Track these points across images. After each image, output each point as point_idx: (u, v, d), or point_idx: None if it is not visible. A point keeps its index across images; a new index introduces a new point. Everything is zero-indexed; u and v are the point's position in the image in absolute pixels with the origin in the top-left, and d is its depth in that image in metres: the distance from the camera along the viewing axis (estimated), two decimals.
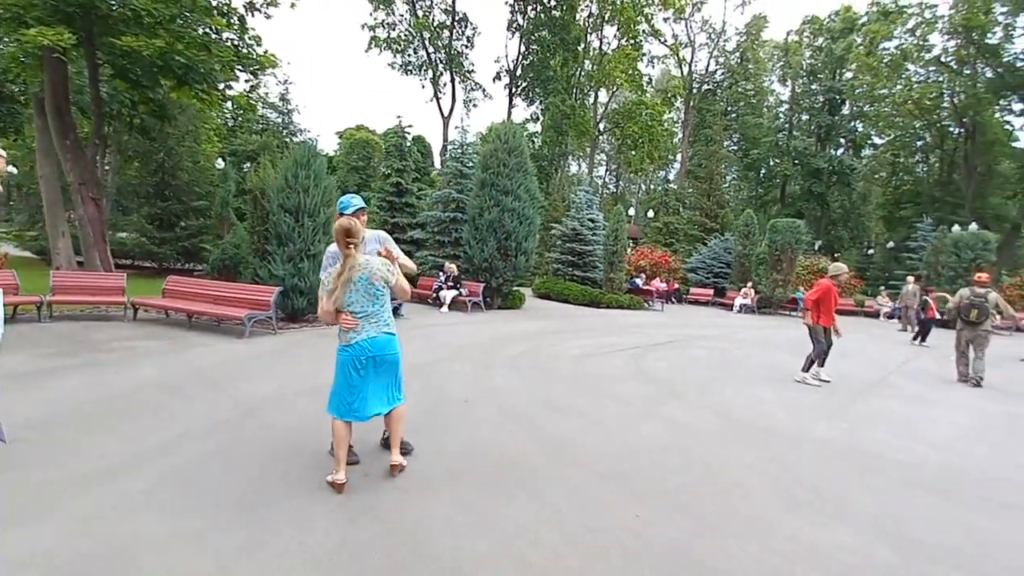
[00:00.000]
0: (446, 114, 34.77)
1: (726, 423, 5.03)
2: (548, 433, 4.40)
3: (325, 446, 3.65)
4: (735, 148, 42.81)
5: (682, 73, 41.10)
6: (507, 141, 13.77)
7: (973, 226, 20.88)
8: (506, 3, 33.88)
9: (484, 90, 37.11)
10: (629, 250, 20.19)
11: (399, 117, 20.80)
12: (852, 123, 37.90)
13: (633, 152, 37.84)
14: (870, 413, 5.78)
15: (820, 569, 2.60)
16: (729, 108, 42.86)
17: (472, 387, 5.76)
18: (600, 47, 36.51)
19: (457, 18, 34.21)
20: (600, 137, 41.80)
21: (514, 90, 35.84)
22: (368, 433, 3.76)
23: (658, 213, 33.88)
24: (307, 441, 3.82)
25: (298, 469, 3.37)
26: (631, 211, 45.75)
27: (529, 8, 33.61)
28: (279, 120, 31.20)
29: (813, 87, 38.30)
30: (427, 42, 34.31)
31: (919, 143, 37.22)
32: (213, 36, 11.57)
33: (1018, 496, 3.70)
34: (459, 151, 17.22)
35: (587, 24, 35.26)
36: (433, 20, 33.95)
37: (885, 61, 32.05)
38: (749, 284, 19.39)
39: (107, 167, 19.94)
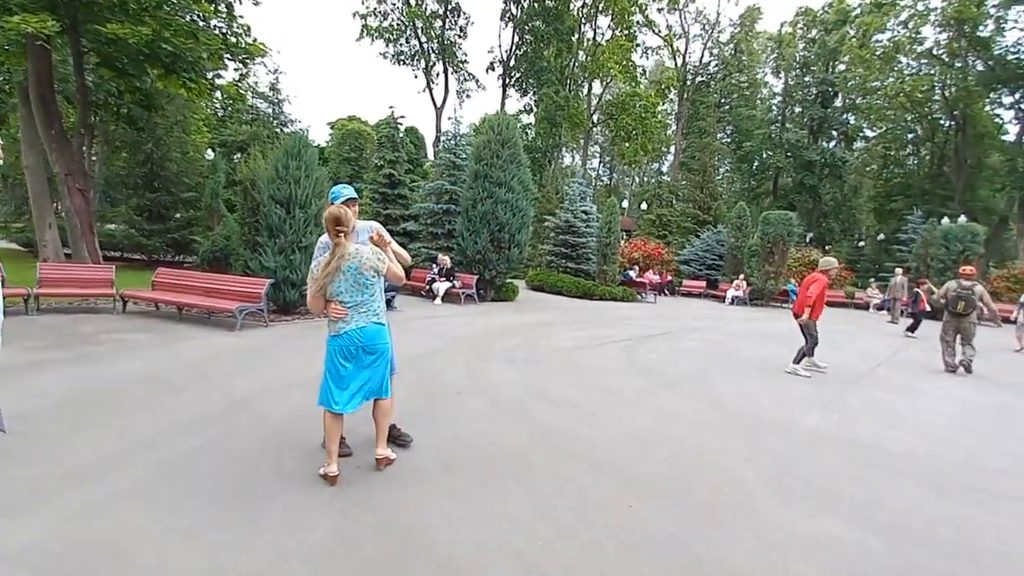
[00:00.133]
0: (439, 105, 34.54)
1: (718, 414, 5.07)
2: (542, 425, 4.40)
3: (318, 439, 3.63)
4: (728, 140, 42.90)
5: (676, 64, 41.02)
6: (500, 132, 13.68)
7: (962, 219, 21.07)
8: None
9: (477, 80, 36.90)
10: (622, 242, 20.21)
11: (391, 108, 20.56)
12: (844, 116, 38.08)
13: (627, 144, 37.78)
14: (860, 404, 5.84)
15: (811, 558, 2.63)
16: (723, 100, 42.90)
17: (466, 379, 5.76)
18: (594, 37, 36.34)
19: (450, 7, 33.87)
20: (594, 129, 41.69)
21: (507, 81, 35.63)
22: (360, 425, 3.75)
23: (651, 205, 33.93)
24: (300, 434, 3.80)
25: (291, 462, 3.35)
26: (624, 203, 45.74)
27: None
28: (269, 110, 30.89)
29: (806, 79, 38.40)
30: (419, 31, 33.96)
31: (910, 136, 37.45)
32: (200, 23, 11.36)
33: (1005, 485, 3.76)
34: (452, 142, 17.10)
35: (581, 14, 35.06)
36: (425, 9, 33.59)
37: (878, 53, 32.11)
38: (741, 276, 19.49)
39: (94, 157, 19.63)
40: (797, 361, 7.17)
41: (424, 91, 34.94)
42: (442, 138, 19.13)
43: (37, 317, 7.64)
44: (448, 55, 34.51)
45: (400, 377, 3.77)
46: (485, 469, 3.46)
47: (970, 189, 32.07)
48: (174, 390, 4.70)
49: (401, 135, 21.25)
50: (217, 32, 11.75)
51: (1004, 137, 32.03)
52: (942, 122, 33.85)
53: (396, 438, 3.70)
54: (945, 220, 21.32)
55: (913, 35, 31.35)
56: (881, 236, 32.29)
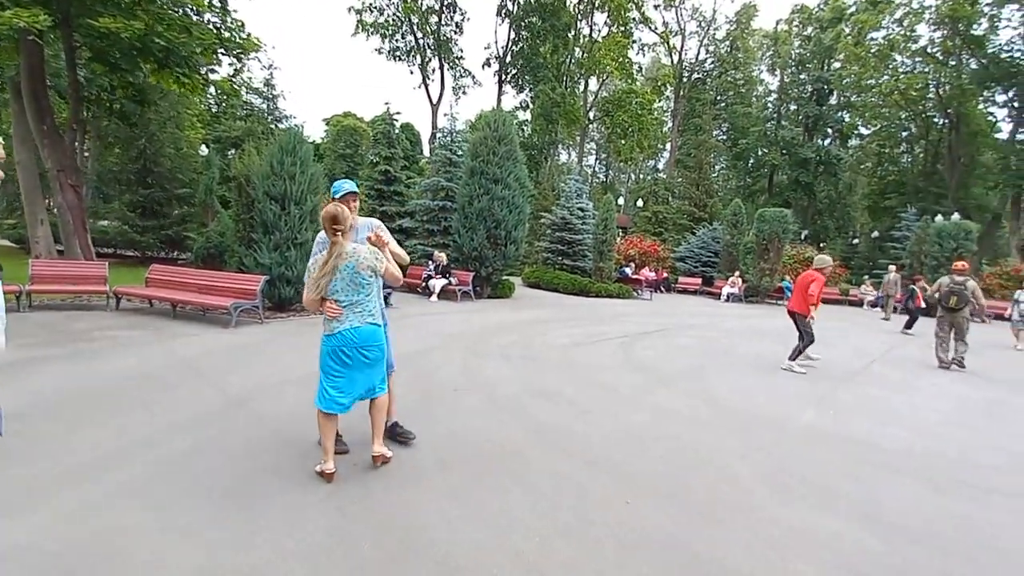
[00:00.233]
0: (435, 101, 34.37)
1: (714, 411, 5.08)
2: (539, 422, 4.40)
3: (314, 436, 3.61)
4: (724, 138, 42.93)
5: (672, 62, 41.01)
6: (497, 129, 13.65)
7: (956, 216, 21.21)
8: None
9: (474, 77, 36.77)
10: (618, 239, 20.23)
11: (387, 104, 20.56)
12: (839, 113, 38.13)
13: (623, 141, 37.77)
14: (855, 400, 5.87)
15: (808, 555, 2.64)
16: (718, 97, 42.91)
17: (462, 376, 5.75)
18: (590, 34, 36.25)
19: (446, 3, 33.70)
20: (590, 126, 41.66)
21: (504, 77, 35.52)
22: (357, 423, 3.74)
23: (647, 202, 33.95)
24: (296, 431, 3.79)
25: (287, 459, 3.34)
26: (620, 200, 45.76)
27: None
28: (264, 106, 30.67)
29: (801, 77, 38.44)
30: (415, 27, 33.78)
31: (904, 134, 37.57)
32: (194, 17, 11.26)
33: (999, 481, 3.79)
34: (448, 139, 17.06)
35: (577, 10, 34.94)
36: (421, 4, 33.39)
37: (872, 51, 32.16)
38: (737, 273, 19.56)
39: (86, 153, 19.47)
40: (793, 358, 7.20)
41: (420, 87, 34.81)
42: (438, 135, 19.08)
43: (29, 314, 7.57)
44: (444, 51, 34.36)
45: (396, 374, 3.76)
46: (482, 466, 3.46)
47: (963, 187, 32.24)
48: (169, 388, 4.67)
49: (397, 131, 21.17)
50: (211, 27, 11.65)
51: (997, 135, 32.20)
52: (936, 120, 33.98)
53: (398, 435, 3.69)
54: (939, 218, 21.45)
55: (908, 33, 31.41)
56: (875, 233, 32.43)
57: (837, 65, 36.43)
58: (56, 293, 8.42)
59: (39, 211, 11.91)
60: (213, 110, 30.04)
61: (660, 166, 48.15)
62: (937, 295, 8.34)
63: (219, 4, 11.74)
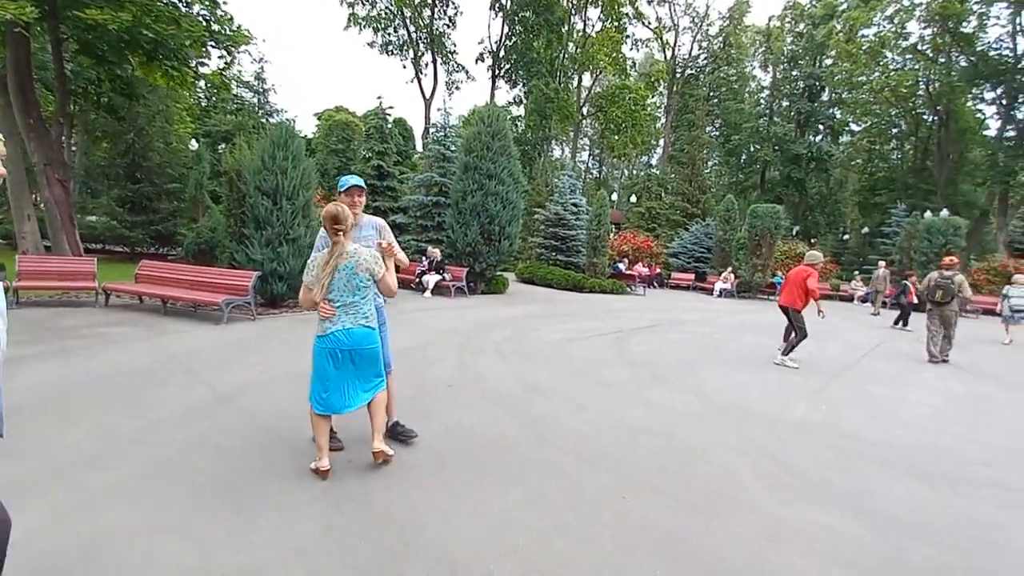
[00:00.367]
0: (428, 96, 34.20)
1: (708, 406, 5.11)
2: (534, 417, 4.41)
3: (307, 433, 3.58)
4: (717, 134, 43.06)
5: (665, 57, 41.04)
6: (490, 124, 13.60)
7: (944, 212, 21.42)
8: None
9: (467, 71, 36.59)
10: (612, 235, 20.26)
11: (380, 98, 20.37)
12: (831, 110, 38.38)
13: (616, 137, 37.79)
14: (846, 395, 5.93)
15: (802, 548, 2.66)
16: (711, 93, 43.00)
17: (457, 372, 5.74)
18: (584, 29, 36.18)
19: None
20: (583, 121, 41.62)
21: (497, 72, 35.38)
22: (351, 419, 3.72)
23: (640, 198, 34.02)
24: (290, 428, 3.76)
25: (281, 457, 3.32)
26: (614, 196, 45.87)
27: None
28: (254, 100, 30.35)
29: (793, 73, 38.61)
30: (408, 20, 33.53)
31: (894, 130, 37.91)
32: (183, 9, 11.10)
33: (988, 474, 3.84)
34: (441, 134, 16.96)
35: (571, 5, 34.86)
36: None
37: (864, 48, 32.37)
38: (729, 269, 19.66)
39: (73, 147, 19.20)
40: (786, 353, 7.26)
41: (412, 82, 34.61)
42: (431, 129, 18.97)
43: (16, 311, 7.46)
44: (437, 45, 34.14)
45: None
46: (478, 462, 3.45)
47: (952, 183, 32.59)
48: (161, 385, 4.62)
49: (389, 126, 21.03)
50: (200, 19, 11.50)
51: (985, 132, 32.57)
52: (926, 117, 34.30)
53: (399, 435, 3.66)
54: (928, 214, 21.66)
55: (898, 30, 31.65)
56: (865, 229, 32.75)
57: (829, 62, 36.64)
58: (43, 289, 8.31)
59: (26, 206, 11.73)
60: (203, 104, 29.71)
61: (653, 162, 48.25)
62: (926, 290, 8.48)
63: None
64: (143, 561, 2.24)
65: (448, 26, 34.50)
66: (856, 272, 25.16)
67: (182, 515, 2.60)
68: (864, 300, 20.04)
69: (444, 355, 6.51)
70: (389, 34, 34.15)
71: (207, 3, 11.60)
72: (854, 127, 39.81)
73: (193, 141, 21.74)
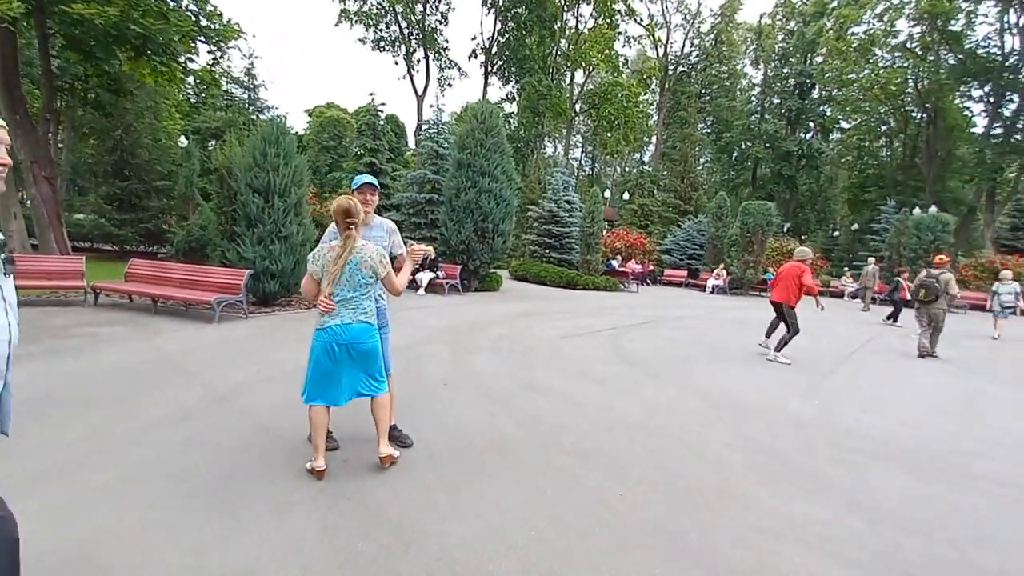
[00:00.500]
0: (420, 92, 34.02)
1: (702, 402, 5.13)
2: (529, 414, 4.40)
3: (302, 433, 3.57)
4: (709, 131, 43.21)
5: (657, 54, 41.10)
6: (484, 121, 13.55)
7: (933, 209, 21.65)
8: None
9: (459, 68, 36.44)
10: (605, 232, 20.30)
11: (372, 94, 20.25)
12: (821, 107, 38.62)
13: (609, 134, 37.87)
14: (839, 390, 5.98)
15: (798, 542, 2.68)
16: (703, 91, 43.11)
17: (452, 370, 5.72)
18: (576, 26, 36.14)
19: None
20: (576, 118, 41.63)
21: (490, 69, 35.27)
22: (347, 419, 3.70)
23: (633, 195, 34.12)
24: (284, 428, 3.73)
25: (275, 457, 3.29)
26: (606, 193, 45.92)
27: None
28: (244, 96, 30.06)
29: (784, 71, 38.78)
30: (399, 16, 33.32)
31: (884, 128, 38.26)
32: (171, 3, 10.95)
33: (980, 467, 3.89)
34: (434, 131, 16.89)
35: (563, 1, 34.78)
36: None
37: (854, 46, 32.63)
38: (721, 265, 19.77)
39: (60, 144, 18.92)
40: (778, 349, 7.30)
41: (404, 78, 34.42)
42: (424, 126, 18.89)
43: None
44: (429, 41, 33.98)
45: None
46: (474, 460, 3.44)
47: (940, 180, 32.96)
48: (152, 385, 4.57)
49: (382, 123, 20.91)
50: (188, 13, 11.35)
51: (973, 130, 32.94)
52: (914, 114, 34.66)
53: (395, 439, 3.63)
54: (917, 210, 21.88)
55: (888, 28, 31.93)
56: (855, 226, 33.03)
57: (819, 59, 36.88)
58: (31, 288, 8.17)
59: (12, 204, 11.54)
60: (192, 100, 29.38)
61: (646, 159, 48.34)
62: (916, 289, 8.65)
63: None
64: (138, 562, 2.22)
65: (440, 22, 34.35)
66: (846, 268, 25.39)
67: (177, 515, 2.57)
68: (854, 296, 20.23)
69: (439, 353, 6.50)
70: (381, 30, 33.95)
71: None
72: (844, 124, 40.14)
73: (182, 138, 21.50)
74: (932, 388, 6.42)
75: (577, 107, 38.99)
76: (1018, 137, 27.82)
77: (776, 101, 39.38)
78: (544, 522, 2.72)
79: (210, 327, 7.24)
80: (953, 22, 29.37)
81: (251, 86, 30.07)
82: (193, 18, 11.34)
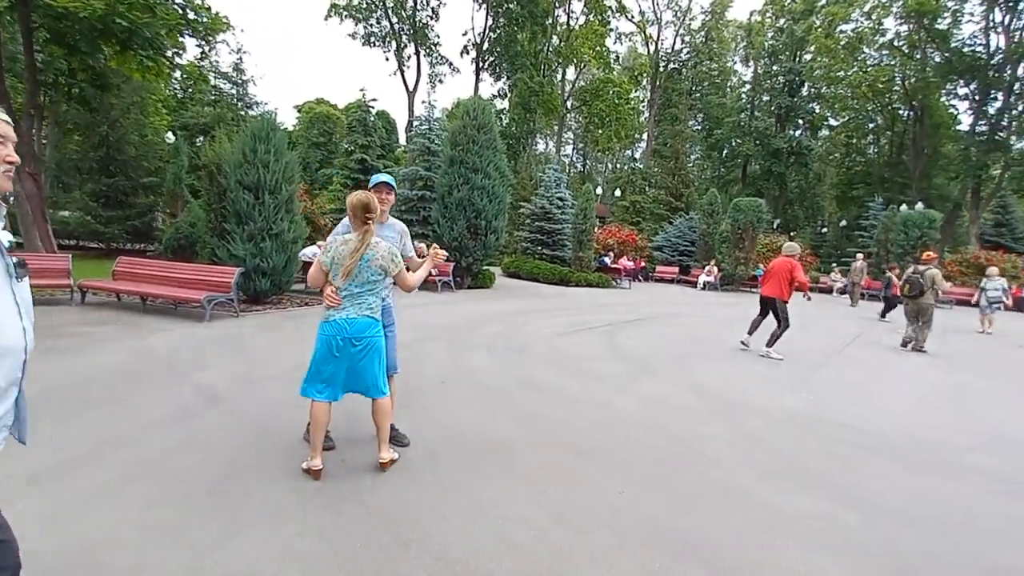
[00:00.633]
0: (411, 89, 33.81)
1: (698, 398, 5.16)
2: (527, 412, 4.40)
3: (297, 432, 3.54)
4: (699, 128, 43.42)
5: (648, 51, 41.17)
6: (476, 117, 13.49)
7: (920, 205, 21.93)
8: None
9: (451, 64, 36.26)
10: (597, 229, 20.34)
11: (363, 90, 20.07)
12: (810, 105, 38.96)
13: (600, 131, 37.90)
14: (831, 384, 6.05)
15: (792, 535, 2.71)
16: (694, 88, 43.30)
17: (449, 368, 5.71)
18: (568, 22, 36.08)
19: None
20: (568, 115, 41.61)
21: (481, 65, 35.12)
22: (341, 419, 3.67)
23: (625, 192, 34.19)
24: (278, 428, 3.70)
25: (271, 456, 3.25)
26: (598, 190, 45.97)
27: None
28: (233, 91, 29.67)
29: (774, 68, 39.05)
30: (390, 11, 33.06)
31: (871, 125, 38.67)
32: None
33: (970, 460, 3.95)
34: (426, 127, 16.79)
35: None
36: None
37: (842, 44, 32.90)
38: (712, 262, 19.89)
39: (44, 140, 18.53)
40: (770, 344, 7.36)
41: (395, 74, 34.19)
42: (415, 123, 18.76)
43: None
44: (420, 37, 33.77)
45: None
46: (473, 458, 3.43)
47: (926, 177, 33.39)
48: (143, 385, 4.50)
49: (372, 119, 20.75)
50: (175, 7, 11.16)
51: (958, 127, 33.40)
52: (901, 112, 35.05)
53: (393, 438, 3.60)
54: (904, 207, 22.15)
55: (875, 26, 32.21)
56: (843, 222, 33.38)
57: (808, 57, 37.16)
58: None
59: None
60: (179, 96, 28.95)
61: (637, 156, 48.47)
62: (903, 284, 8.81)
63: None
64: (133, 564, 2.18)
65: (431, 17, 34.17)
66: (834, 264, 25.67)
67: (176, 515, 2.54)
68: (843, 292, 20.45)
69: (436, 351, 6.47)
70: (371, 25, 33.69)
71: None
72: (832, 122, 40.51)
73: (169, 134, 21.20)
74: (921, 382, 6.50)
75: (569, 104, 38.99)
76: (1002, 135, 28.24)
77: (766, 98, 39.66)
78: (544, 520, 2.72)
79: (201, 326, 7.15)
80: (940, 20, 29.70)
81: (240, 81, 29.68)
82: (180, 11, 11.14)
